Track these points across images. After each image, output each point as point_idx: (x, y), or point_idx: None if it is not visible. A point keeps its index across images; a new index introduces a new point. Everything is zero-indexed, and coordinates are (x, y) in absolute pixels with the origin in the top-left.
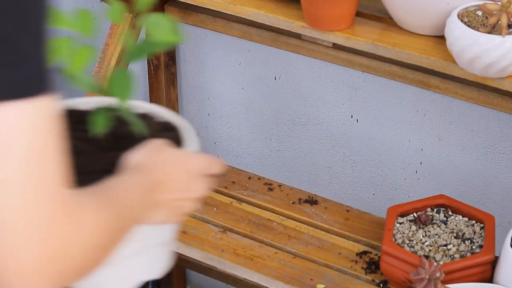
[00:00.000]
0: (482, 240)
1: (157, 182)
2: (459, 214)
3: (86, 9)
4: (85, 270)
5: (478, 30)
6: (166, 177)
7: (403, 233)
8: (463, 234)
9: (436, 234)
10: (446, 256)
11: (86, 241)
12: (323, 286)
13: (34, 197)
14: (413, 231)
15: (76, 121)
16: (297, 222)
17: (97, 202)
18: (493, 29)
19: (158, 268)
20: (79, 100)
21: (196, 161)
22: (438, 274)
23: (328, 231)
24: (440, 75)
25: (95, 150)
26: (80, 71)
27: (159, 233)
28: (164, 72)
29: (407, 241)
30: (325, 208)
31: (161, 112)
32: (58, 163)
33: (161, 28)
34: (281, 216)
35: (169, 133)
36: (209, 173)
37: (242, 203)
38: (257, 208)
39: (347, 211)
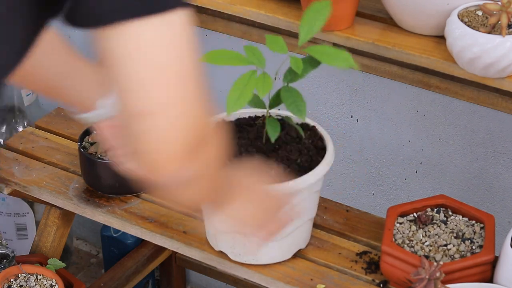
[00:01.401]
0: (482, 240)
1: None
2: (459, 214)
3: None
4: (204, 168)
5: (478, 30)
6: (248, 214)
7: (403, 233)
8: (463, 234)
9: (436, 234)
10: (446, 256)
11: (211, 144)
12: (323, 286)
13: (182, 93)
14: (413, 231)
15: (238, 129)
16: None
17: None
18: (493, 29)
19: (306, 239)
20: (238, 112)
21: (274, 201)
22: (438, 274)
23: (328, 231)
24: (440, 75)
25: (260, 152)
26: None
27: (312, 210)
28: None
29: (407, 241)
30: (325, 208)
31: (318, 126)
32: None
33: (330, 56)
34: None
35: (316, 143)
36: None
37: None
38: None
39: (347, 211)
